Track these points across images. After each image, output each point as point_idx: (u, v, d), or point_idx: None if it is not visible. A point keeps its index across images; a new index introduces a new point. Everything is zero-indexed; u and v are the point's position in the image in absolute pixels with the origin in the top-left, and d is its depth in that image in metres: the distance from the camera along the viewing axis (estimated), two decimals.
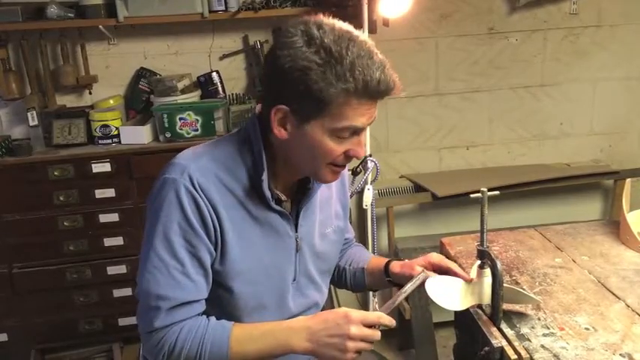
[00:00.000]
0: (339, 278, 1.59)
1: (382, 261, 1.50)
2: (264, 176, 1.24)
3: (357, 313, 1.20)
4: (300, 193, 1.36)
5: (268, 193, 1.26)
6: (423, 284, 1.31)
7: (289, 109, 1.17)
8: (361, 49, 1.14)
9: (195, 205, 1.20)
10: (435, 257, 1.40)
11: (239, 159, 1.27)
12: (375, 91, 1.14)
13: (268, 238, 1.31)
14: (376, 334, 1.21)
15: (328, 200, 1.44)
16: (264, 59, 1.25)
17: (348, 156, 1.23)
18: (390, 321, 1.23)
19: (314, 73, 1.12)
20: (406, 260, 1.46)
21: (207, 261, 1.24)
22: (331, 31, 1.14)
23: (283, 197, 1.32)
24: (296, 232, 1.35)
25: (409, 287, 1.27)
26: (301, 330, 1.22)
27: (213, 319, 1.26)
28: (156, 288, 1.20)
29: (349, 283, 1.58)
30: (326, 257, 1.45)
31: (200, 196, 1.20)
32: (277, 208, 1.30)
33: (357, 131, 1.20)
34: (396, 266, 1.45)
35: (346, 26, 1.18)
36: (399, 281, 1.44)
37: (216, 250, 1.25)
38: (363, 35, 1.19)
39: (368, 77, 1.12)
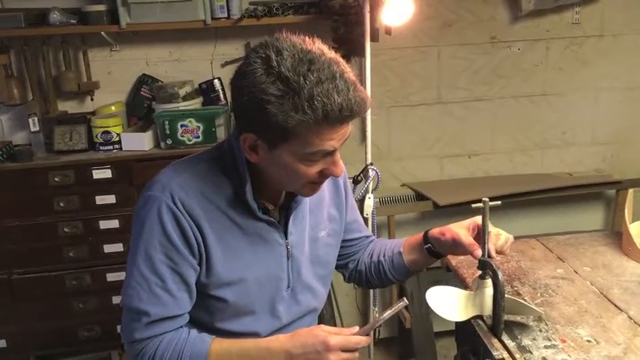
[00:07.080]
0: (378, 274, 1.54)
1: (419, 235, 1.48)
2: (248, 188, 1.25)
3: (337, 339, 1.21)
4: (288, 200, 1.35)
5: (254, 204, 1.27)
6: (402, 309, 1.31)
7: (256, 137, 1.17)
8: (322, 73, 1.09)
9: (177, 222, 1.22)
10: (475, 223, 1.37)
11: (221, 172, 1.27)
12: (337, 118, 1.11)
13: (257, 247, 1.31)
14: (354, 357, 1.22)
15: (319, 204, 1.43)
16: (229, 86, 1.22)
17: (324, 175, 1.22)
18: (367, 342, 1.24)
19: (272, 106, 1.09)
20: (449, 226, 1.40)
21: (191, 277, 1.25)
22: (291, 56, 1.10)
23: (270, 206, 1.32)
24: (286, 239, 1.34)
25: (388, 314, 1.27)
26: (279, 353, 1.23)
27: (193, 332, 1.28)
28: (137, 303, 1.23)
29: (390, 273, 1.53)
30: (322, 261, 1.45)
31: (181, 212, 1.22)
32: (264, 217, 1.30)
33: (328, 154, 1.19)
34: (435, 232, 1.42)
35: (310, 46, 1.13)
36: (439, 247, 1.42)
37: (200, 264, 1.26)
38: (329, 54, 1.14)
39: (328, 106, 1.08)
